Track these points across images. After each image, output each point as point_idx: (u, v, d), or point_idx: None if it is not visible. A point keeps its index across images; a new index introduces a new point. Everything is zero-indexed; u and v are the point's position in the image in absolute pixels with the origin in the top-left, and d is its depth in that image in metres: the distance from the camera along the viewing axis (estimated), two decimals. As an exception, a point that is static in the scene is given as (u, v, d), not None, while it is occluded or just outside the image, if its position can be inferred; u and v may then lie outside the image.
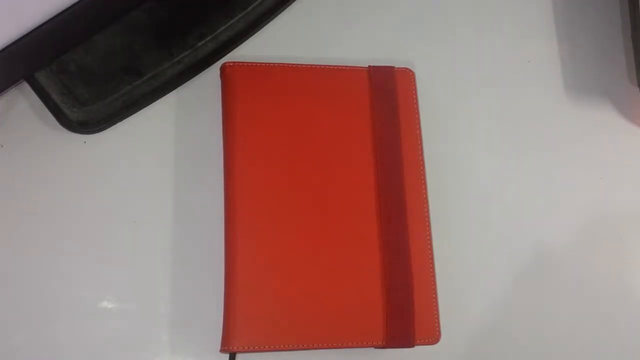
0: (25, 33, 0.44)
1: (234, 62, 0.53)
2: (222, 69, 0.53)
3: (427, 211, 0.53)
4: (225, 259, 0.48)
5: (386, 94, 0.54)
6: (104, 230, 0.50)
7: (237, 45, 0.55)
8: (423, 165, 0.54)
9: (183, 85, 0.54)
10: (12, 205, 0.50)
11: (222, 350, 0.47)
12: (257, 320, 0.47)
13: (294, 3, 0.58)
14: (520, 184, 0.57)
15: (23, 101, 0.52)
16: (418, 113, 0.55)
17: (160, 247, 0.50)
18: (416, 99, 0.55)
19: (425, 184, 0.53)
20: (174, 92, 0.54)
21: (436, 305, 0.51)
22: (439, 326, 0.50)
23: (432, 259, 0.51)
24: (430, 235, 0.52)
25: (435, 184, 0.54)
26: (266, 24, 0.57)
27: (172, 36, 0.53)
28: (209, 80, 0.54)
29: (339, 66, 0.54)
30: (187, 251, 0.51)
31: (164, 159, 0.52)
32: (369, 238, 0.50)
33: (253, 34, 0.56)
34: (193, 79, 0.54)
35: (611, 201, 0.58)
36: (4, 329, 0.47)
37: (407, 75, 0.56)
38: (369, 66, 0.55)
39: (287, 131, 0.52)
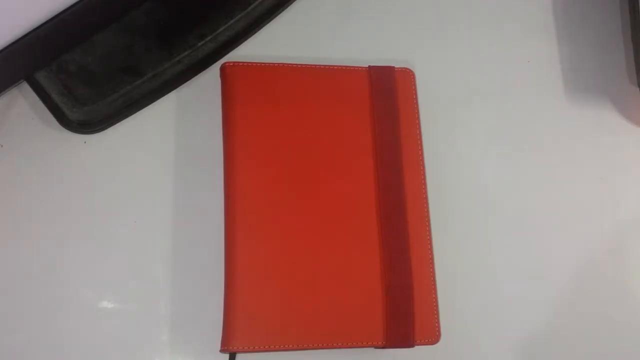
0: (25, 33, 0.44)
1: (234, 62, 0.53)
2: (222, 69, 0.53)
3: (427, 211, 0.53)
4: (225, 258, 0.48)
5: (386, 94, 0.54)
6: (103, 230, 0.50)
7: (237, 45, 0.55)
8: (423, 165, 0.54)
9: (183, 85, 0.54)
10: (12, 205, 0.50)
11: (222, 350, 0.47)
12: (257, 320, 0.47)
13: (294, 3, 0.58)
14: (520, 184, 0.57)
15: (23, 101, 0.52)
16: (418, 113, 0.55)
17: (160, 247, 0.50)
18: (416, 99, 0.55)
19: (425, 184, 0.53)
20: (174, 92, 0.54)
21: (436, 305, 0.51)
22: (439, 326, 0.50)
23: (432, 258, 0.51)
24: (430, 235, 0.52)
25: (435, 184, 0.54)
26: (266, 24, 0.57)
27: (172, 36, 0.53)
28: (209, 80, 0.54)
29: (339, 66, 0.54)
30: (187, 251, 0.51)
31: (164, 159, 0.52)
32: (369, 238, 0.50)
33: (253, 34, 0.56)
34: (193, 79, 0.54)
35: (611, 201, 0.58)
36: (4, 329, 0.47)
37: (407, 75, 0.56)
38: (369, 66, 0.55)
39: (287, 131, 0.52)
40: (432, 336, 0.50)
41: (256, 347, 0.47)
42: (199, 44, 0.54)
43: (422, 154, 0.54)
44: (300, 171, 0.51)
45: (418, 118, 0.55)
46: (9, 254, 0.49)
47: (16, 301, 0.48)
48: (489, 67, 0.60)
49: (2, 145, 0.51)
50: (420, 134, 0.54)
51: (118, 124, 0.52)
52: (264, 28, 0.57)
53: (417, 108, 0.55)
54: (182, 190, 0.52)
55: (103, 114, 0.52)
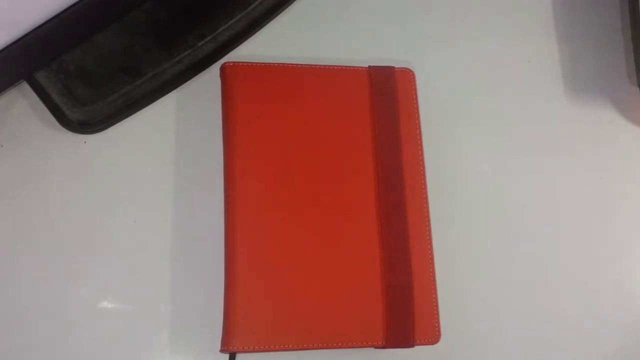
0: (25, 33, 0.44)
1: (234, 62, 0.53)
2: (222, 69, 0.53)
3: (427, 211, 0.53)
4: (225, 259, 0.48)
5: (386, 94, 0.54)
6: (103, 230, 0.50)
7: (237, 45, 0.55)
8: (423, 165, 0.54)
9: (183, 85, 0.54)
10: (12, 205, 0.50)
11: (222, 350, 0.47)
12: (257, 320, 0.47)
13: (294, 3, 0.58)
14: (520, 184, 0.57)
15: (23, 101, 0.52)
16: (418, 113, 0.55)
17: (160, 247, 0.50)
18: (416, 99, 0.55)
19: (425, 184, 0.53)
20: (174, 92, 0.54)
21: (436, 305, 0.51)
22: (439, 326, 0.50)
23: (432, 258, 0.51)
24: (430, 235, 0.52)
25: (435, 184, 0.54)
26: (266, 24, 0.57)
27: (172, 36, 0.53)
28: (209, 80, 0.54)
29: (339, 66, 0.54)
30: (187, 251, 0.51)
31: (164, 159, 0.52)
32: (369, 238, 0.50)
33: (253, 34, 0.56)
34: (193, 79, 0.54)
35: (611, 201, 0.58)
36: (4, 329, 0.47)
37: (407, 75, 0.56)
38: (369, 66, 0.55)
39: (287, 131, 0.52)
40: (432, 336, 0.50)
41: (256, 347, 0.47)
42: (199, 44, 0.54)
43: (422, 154, 0.54)
44: (300, 171, 0.51)
45: (418, 118, 0.55)
46: (9, 254, 0.49)
47: (16, 301, 0.48)
48: (489, 67, 0.60)
49: (2, 145, 0.51)
50: (420, 134, 0.54)
51: (118, 124, 0.52)
52: (264, 28, 0.57)
53: (417, 108, 0.55)
54: (182, 190, 0.52)
55: (103, 114, 0.52)
